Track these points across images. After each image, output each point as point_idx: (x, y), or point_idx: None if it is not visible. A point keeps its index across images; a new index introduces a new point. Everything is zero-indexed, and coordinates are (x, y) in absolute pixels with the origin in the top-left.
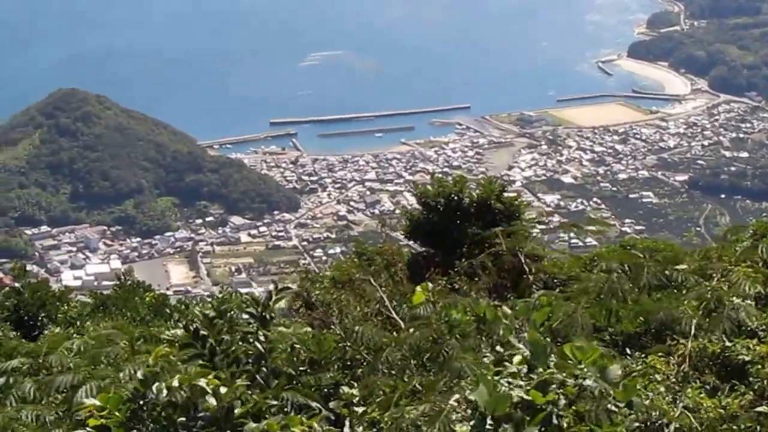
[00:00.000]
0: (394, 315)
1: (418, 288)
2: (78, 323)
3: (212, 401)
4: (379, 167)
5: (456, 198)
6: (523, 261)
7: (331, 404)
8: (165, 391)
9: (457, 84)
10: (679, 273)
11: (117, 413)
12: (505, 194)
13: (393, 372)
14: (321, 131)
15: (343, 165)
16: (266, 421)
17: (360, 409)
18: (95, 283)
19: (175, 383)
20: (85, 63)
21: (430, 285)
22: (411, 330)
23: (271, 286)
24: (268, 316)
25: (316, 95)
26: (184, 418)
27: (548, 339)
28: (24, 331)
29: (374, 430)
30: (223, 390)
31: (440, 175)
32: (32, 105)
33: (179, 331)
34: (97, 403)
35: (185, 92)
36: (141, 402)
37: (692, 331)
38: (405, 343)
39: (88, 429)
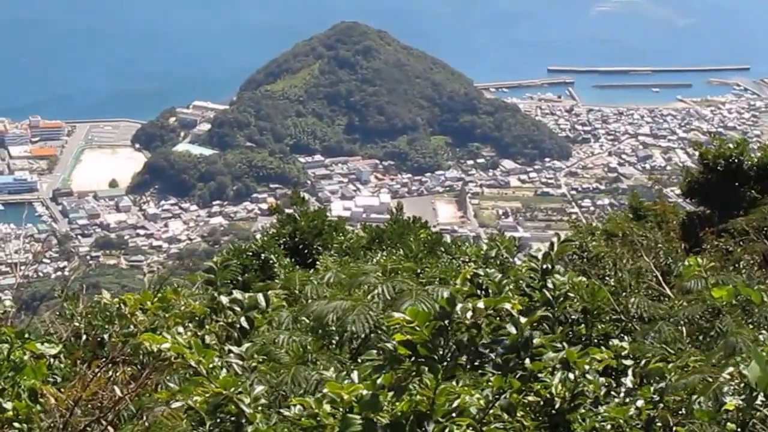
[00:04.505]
0: (666, 289)
1: (688, 261)
2: (355, 255)
3: (512, 329)
4: (653, 122)
5: (737, 160)
6: None
7: None
8: (470, 312)
9: (740, 43)
10: None
11: (424, 330)
12: None
13: (664, 345)
14: (598, 82)
15: (617, 117)
16: (566, 350)
17: (629, 362)
18: (363, 215)
19: (480, 305)
20: None
21: (704, 246)
22: (683, 303)
23: (554, 238)
24: (549, 267)
25: (600, 43)
26: (486, 341)
27: None
28: (298, 258)
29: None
30: (522, 319)
31: (723, 136)
32: (315, 35)
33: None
34: (407, 317)
35: (468, 31)
36: (446, 321)
37: None
38: (678, 316)
39: (394, 343)
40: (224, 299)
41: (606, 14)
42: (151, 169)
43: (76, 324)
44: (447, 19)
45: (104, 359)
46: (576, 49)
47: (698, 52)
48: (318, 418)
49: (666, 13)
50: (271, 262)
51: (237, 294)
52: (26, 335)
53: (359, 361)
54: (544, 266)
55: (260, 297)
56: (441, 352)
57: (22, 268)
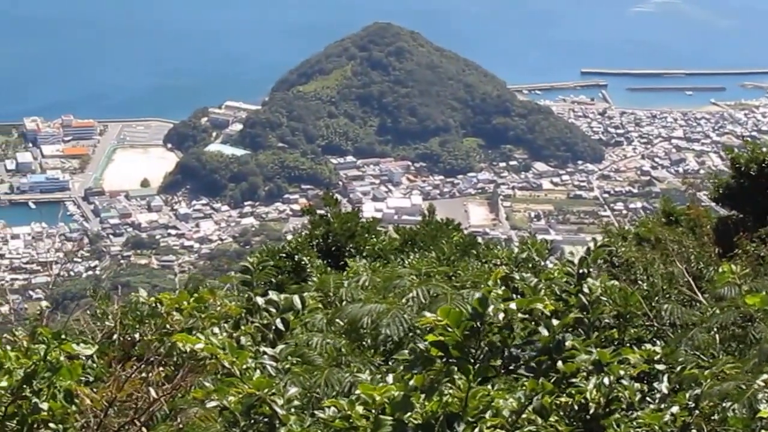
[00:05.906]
0: (700, 296)
1: (723, 268)
2: (388, 257)
3: (544, 331)
4: (686, 125)
5: None
6: None
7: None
8: (502, 314)
9: None
10: None
11: (456, 330)
12: None
13: (697, 351)
14: (631, 85)
15: (650, 120)
16: (598, 351)
17: (661, 367)
18: (395, 217)
19: (513, 306)
20: None
21: (738, 251)
22: (716, 310)
23: (591, 243)
24: (585, 271)
25: (635, 45)
26: (518, 342)
27: None
28: (330, 260)
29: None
30: (555, 322)
31: (757, 140)
32: (347, 36)
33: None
34: (439, 317)
35: (501, 32)
36: (478, 322)
37: None
38: (711, 322)
39: (426, 344)
40: (260, 300)
41: (643, 15)
42: (182, 169)
43: (109, 324)
44: (480, 20)
45: (137, 359)
46: (610, 50)
47: (733, 54)
48: (350, 420)
49: (704, 15)
50: (303, 263)
51: (273, 295)
52: (62, 336)
53: (393, 363)
54: (581, 271)
55: (296, 299)
56: (473, 354)
57: (55, 266)
